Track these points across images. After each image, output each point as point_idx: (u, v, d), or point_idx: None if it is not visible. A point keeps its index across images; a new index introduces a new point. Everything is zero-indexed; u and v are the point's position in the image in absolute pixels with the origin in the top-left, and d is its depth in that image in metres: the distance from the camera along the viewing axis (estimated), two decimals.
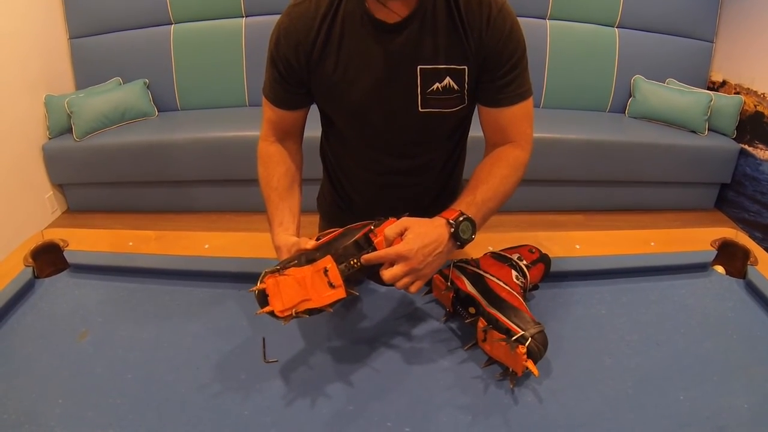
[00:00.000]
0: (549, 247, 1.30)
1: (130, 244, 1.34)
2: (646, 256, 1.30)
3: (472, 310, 1.05)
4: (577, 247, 1.32)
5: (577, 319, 1.13)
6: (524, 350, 0.92)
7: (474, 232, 1.00)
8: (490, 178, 1.08)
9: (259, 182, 1.18)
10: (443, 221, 0.99)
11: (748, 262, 1.26)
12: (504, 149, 1.13)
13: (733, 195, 3.71)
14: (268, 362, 1.01)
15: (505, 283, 1.07)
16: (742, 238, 1.34)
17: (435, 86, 1.08)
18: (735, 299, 1.19)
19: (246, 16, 3.80)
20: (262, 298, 0.92)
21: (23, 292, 1.17)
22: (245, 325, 1.10)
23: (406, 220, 0.97)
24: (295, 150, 1.24)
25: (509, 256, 1.15)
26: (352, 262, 0.94)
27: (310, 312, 0.92)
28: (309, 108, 1.21)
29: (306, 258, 0.94)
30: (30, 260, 1.24)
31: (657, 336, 1.08)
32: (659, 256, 1.29)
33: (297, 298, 0.91)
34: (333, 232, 1.00)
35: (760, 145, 3.46)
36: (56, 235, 1.34)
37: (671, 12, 3.84)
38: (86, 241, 1.33)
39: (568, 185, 3.66)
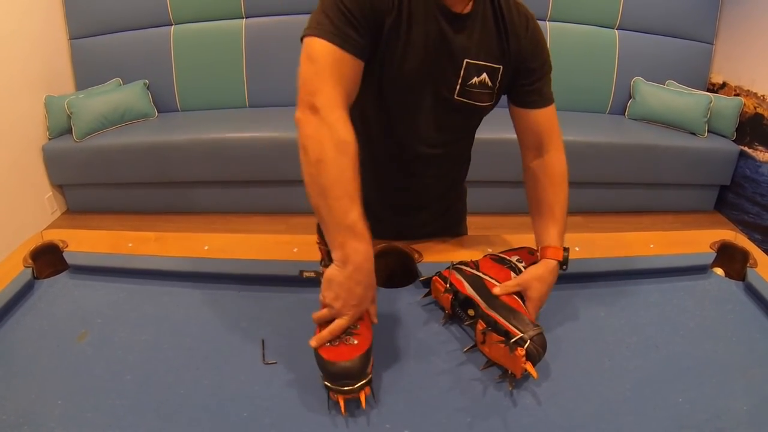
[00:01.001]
0: None
1: (130, 245, 1.34)
2: (646, 258, 1.30)
3: (471, 312, 1.06)
4: (577, 249, 1.32)
5: (576, 321, 1.13)
6: (523, 352, 0.91)
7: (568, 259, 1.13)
8: (562, 207, 1.20)
9: (329, 174, 0.90)
10: (553, 265, 1.11)
11: (748, 265, 1.26)
12: (551, 165, 1.22)
13: (732, 197, 3.71)
14: (267, 364, 1.01)
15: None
16: (742, 240, 1.34)
17: (474, 80, 1.14)
18: (734, 301, 1.19)
19: (246, 18, 3.80)
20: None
21: (23, 293, 1.17)
22: (245, 326, 1.10)
23: (522, 281, 1.07)
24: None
25: (508, 258, 1.16)
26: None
27: None
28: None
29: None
30: (29, 261, 1.24)
31: (656, 338, 1.08)
32: (658, 258, 1.30)
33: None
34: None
35: (760, 147, 3.46)
36: (56, 236, 1.34)
37: (671, 14, 3.85)
38: (86, 242, 1.33)
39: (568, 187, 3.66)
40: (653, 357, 1.03)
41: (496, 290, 1.04)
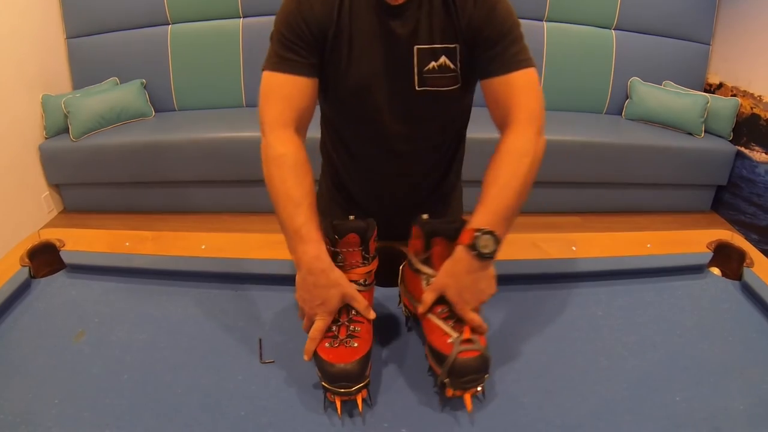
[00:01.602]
0: (546, 248, 1.31)
1: (127, 244, 1.34)
2: (643, 258, 1.30)
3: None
4: (574, 248, 1.32)
5: (573, 321, 1.13)
6: (451, 393, 0.91)
7: (498, 241, 0.95)
8: (497, 180, 1.02)
9: (270, 190, 1.02)
10: (462, 251, 0.95)
11: (744, 264, 1.26)
12: (503, 142, 1.07)
13: (729, 197, 3.72)
14: (265, 363, 1.01)
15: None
16: (738, 240, 1.35)
17: (431, 65, 1.11)
18: (731, 301, 1.19)
19: (243, 17, 3.80)
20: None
21: (19, 292, 1.17)
22: (242, 325, 1.10)
23: (437, 284, 0.97)
24: (304, 145, 1.09)
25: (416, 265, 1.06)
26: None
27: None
28: (317, 87, 1.13)
29: None
30: (26, 260, 1.24)
31: (653, 337, 1.08)
32: (655, 258, 1.30)
33: None
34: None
35: (757, 148, 3.47)
36: (53, 235, 1.34)
37: (668, 14, 3.86)
38: (83, 242, 1.33)
39: (565, 187, 3.67)
40: (650, 356, 1.03)
41: (420, 310, 0.98)
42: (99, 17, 3.75)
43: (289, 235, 0.98)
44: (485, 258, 0.94)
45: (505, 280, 1.22)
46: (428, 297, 0.97)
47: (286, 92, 1.08)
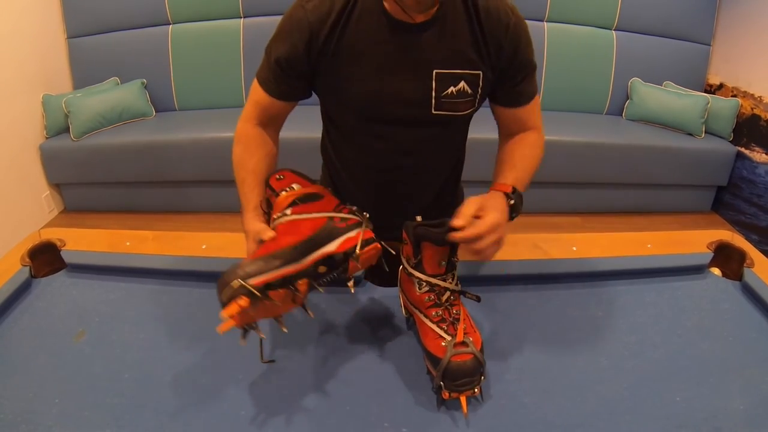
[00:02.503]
0: (546, 249, 1.31)
1: (128, 244, 1.34)
2: (643, 258, 1.30)
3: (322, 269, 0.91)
4: (574, 249, 1.32)
5: (573, 321, 1.13)
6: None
7: (521, 207, 1.07)
8: (522, 159, 1.17)
9: (232, 161, 1.17)
10: (501, 196, 1.04)
11: (744, 265, 1.26)
12: (522, 135, 1.20)
13: (729, 197, 3.72)
14: (266, 362, 1.01)
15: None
16: (738, 241, 1.35)
17: (450, 90, 1.09)
18: (731, 301, 1.19)
19: (244, 17, 3.80)
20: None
21: (20, 292, 1.17)
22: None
23: (471, 199, 0.96)
24: (274, 138, 1.23)
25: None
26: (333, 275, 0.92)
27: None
28: (298, 102, 1.20)
29: (283, 269, 0.86)
30: (27, 260, 1.24)
31: (653, 338, 1.08)
32: (656, 258, 1.30)
33: (263, 315, 0.88)
34: (311, 202, 0.98)
35: (757, 148, 3.47)
36: (53, 234, 1.34)
37: (669, 15, 3.86)
38: (83, 241, 1.33)
39: (565, 187, 3.67)
40: (650, 357, 1.03)
41: (458, 222, 0.91)
42: (100, 17, 3.75)
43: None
44: (513, 212, 1.05)
45: (505, 280, 1.23)
46: (468, 210, 0.93)
47: (262, 103, 1.18)
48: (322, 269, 0.90)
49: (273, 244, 0.90)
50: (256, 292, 0.81)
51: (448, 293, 0.98)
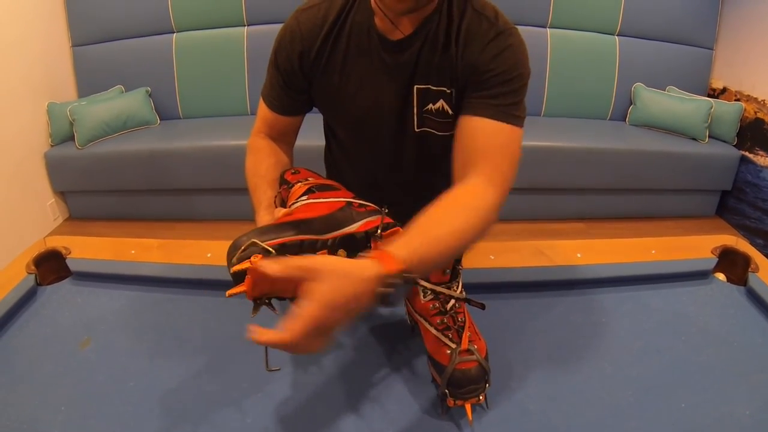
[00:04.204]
0: (550, 255, 1.31)
1: (133, 252, 1.34)
2: (647, 264, 1.30)
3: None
4: (578, 255, 1.32)
5: (578, 327, 1.13)
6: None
7: (408, 286, 0.77)
8: (444, 225, 0.84)
9: (245, 173, 1.16)
10: (373, 277, 0.71)
11: (749, 269, 1.26)
12: (473, 184, 0.92)
13: (734, 202, 3.71)
14: (271, 371, 1.01)
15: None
16: (743, 245, 1.34)
17: (430, 106, 1.07)
18: (736, 307, 1.19)
19: (248, 25, 3.82)
20: (239, 278, 0.75)
21: (26, 300, 1.18)
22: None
23: (322, 264, 0.70)
24: (286, 150, 1.22)
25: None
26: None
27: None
28: (305, 114, 1.20)
29: (300, 236, 0.79)
30: (32, 267, 1.24)
31: (658, 344, 1.08)
32: (660, 264, 1.30)
33: (271, 289, 0.77)
34: (328, 191, 0.92)
35: (761, 152, 3.46)
36: (59, 242, 1.34)
37: (671, 20, 3.86)
38: (89, 249, 1.33)
39: (568, 193, 3.67)
40: (655, 363, 1.03)
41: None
42: (104, 25, 3.77)
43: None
44: (384, 303, 0.73)
45: (510, 287, 1.23)
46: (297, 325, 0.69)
47: (269, 120, 1.18)
48: (342, 253, 0.83)
49: (288, 218, 0.83)
50: (270, 248, 0.75)
51: (452, 301, 0.98)
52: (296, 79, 1.11)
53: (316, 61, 1.08)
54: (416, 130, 1.10)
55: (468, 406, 0.90)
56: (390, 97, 1.08)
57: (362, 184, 1.25)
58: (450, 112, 1.06)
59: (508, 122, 0.96)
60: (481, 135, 0.96)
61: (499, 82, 0.97)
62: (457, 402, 0.90)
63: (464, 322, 0.97)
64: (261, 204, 1.05)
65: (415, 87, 1.06)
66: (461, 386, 0.89)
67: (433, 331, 0.97)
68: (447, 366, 0.90)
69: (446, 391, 0.90)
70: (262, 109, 1.18)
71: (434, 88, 1.05)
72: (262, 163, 1.15)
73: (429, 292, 0.98)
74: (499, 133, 0.95)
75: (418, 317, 1.02)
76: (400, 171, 1.21)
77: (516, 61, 0.98)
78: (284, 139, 1.22)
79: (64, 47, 3.75)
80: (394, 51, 1.04)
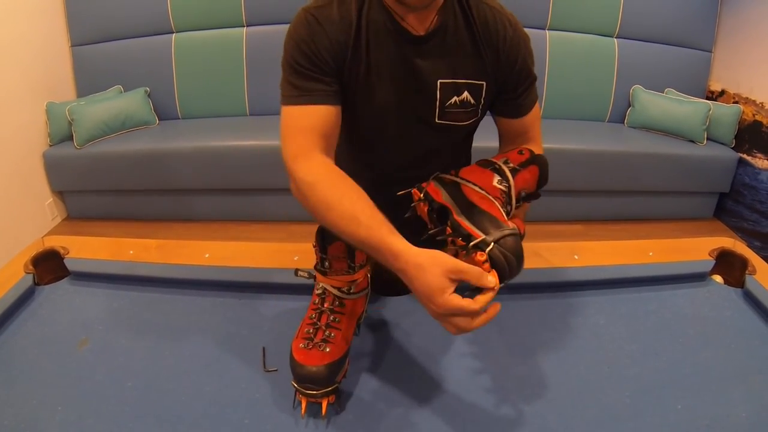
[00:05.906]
0: (548, 257, 1.31)
1: (131, 252, 1.34)
2: (645, 266, 1.30)
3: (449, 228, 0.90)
4: (576, 257, 1.32)
5: (575, 329, 1.13)
6: (484, 257, 0.79)
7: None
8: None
9: (319, 212, 0.93)
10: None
11: (746, 272, 1.26)
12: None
13: (731, 204, 3.71)
14: (268, 371, 1.01)
15: (482, 188, 0.93)
16: (740, 248, 1.35)
17: (453, 100, 1.10)
18: (733, 308, 1.19)
19: (247, 26, 3.82)
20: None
21: (23, 299, 1.18)
22: (245, 334, 1.10)
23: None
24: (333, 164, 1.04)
25: (494, 160, 1.02)
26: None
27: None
28: (340, 107, 1.08)
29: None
30: (30, 267, 1.24)
31: (655, 345, 1.08)
32: (658, 266, 1.30)
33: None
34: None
35: (759, 155, 3.47)
36: (57, 242, 1.34)
37: (670, 22, 3.87)
38: (87, 249, 1.33)
39: (567, 195, 3.67)
40: (652, 364, 1.03)
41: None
42: (103, 26, 3.77)
43: (370, 251, 0.87)
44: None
45: (507, 289, 1.22)
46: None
47: (308, 123, 1.02)
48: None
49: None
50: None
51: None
52: (330, 68, 1.04)
53: (346, 54, 1.04)
54: (437, 121, 1.13)
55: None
56: (411, 90, 1.09)
57: (377, 178, 1.26)
58: (473, 102, 1.11)
59: (535, 106, 1.18)
60: (524, 125, 1.18)
61: (523, 80, 1.11)
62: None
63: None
64: (395, 243, 0.84)
65: (439, 81, 1.08)
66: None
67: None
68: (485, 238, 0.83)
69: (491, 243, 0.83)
70: (300, 117, 1.03)
71: (462, 81, 1.09)
72: (356, 204, 0.90)
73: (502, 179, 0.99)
74: (532, 116, 1.18)
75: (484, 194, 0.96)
76: (414, 163, 1.21)
77: (531, 56, 1.12)
78: (328, 148, 1.04)
79: (63, 47, 3.75)
80: (414, 45, 1.05)
